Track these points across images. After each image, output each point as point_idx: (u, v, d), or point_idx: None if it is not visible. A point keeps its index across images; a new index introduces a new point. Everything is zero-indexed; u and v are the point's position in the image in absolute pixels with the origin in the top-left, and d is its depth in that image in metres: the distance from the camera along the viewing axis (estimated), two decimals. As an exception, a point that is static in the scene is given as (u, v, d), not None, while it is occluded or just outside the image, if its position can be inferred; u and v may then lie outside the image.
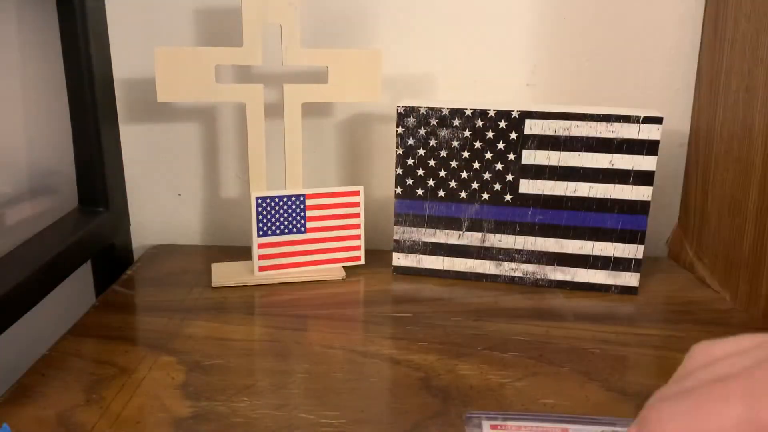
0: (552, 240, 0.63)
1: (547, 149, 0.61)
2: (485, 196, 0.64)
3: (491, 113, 0.62)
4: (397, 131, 0.64)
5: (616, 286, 0.63)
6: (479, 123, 0.62)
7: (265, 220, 0.63)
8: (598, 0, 0.71)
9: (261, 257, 0.64)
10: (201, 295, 0.62)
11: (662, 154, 0.72)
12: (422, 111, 0.63)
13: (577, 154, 0.61)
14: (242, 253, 0.70)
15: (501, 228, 0.64)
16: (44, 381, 0.47)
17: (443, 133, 0.63)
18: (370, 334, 0.55)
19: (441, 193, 0.65)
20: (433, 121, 0.63)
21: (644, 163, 0.60)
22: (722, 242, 0.64)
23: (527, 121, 0.61)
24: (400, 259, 0.67)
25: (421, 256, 0.67)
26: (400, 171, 0.65)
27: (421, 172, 0.64)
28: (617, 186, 0.61)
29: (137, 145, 0.76)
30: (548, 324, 0.57)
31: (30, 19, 0.66)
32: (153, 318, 0.57)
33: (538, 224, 0.63)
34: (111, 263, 0.70)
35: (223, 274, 0.65)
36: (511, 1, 0.72)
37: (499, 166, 0.63)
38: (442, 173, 0.64)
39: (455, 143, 0.63)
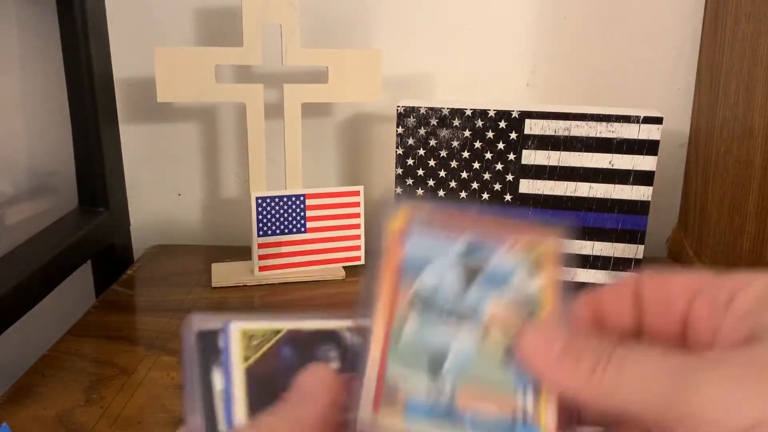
0: (552, 240, 0.63)
1: (547, 149, 0.61)
2: (485, 196, 0.64)
3: (491, 113, 0.62)
4: (397, 131, 0.64)
5: (616, 286, 0.63)
6: (479, 123, 0.62)
7: (265, 220, 0.63)
8: (598, 0, 0.71)
9: (261, 257, 0.64)
10: (201, 295, 0.62)
11: (662, 154, 0.72)
12: (422, 111, 0.63)
13: (577, 154, 0.61)
14: (242, 253, 0.70)
15: (501, 228, 0.64)
16: (44, 381, 0.47)
17: (443, 133, 0.63)
18: (370, 334, 0.55)
19: (441, 193, 0.65)
20: (433, 121, 0.63)
21: (644, 163, 0.60)
22: (722, 242, 0.64)
23: (527, 121, 0.61)
24: (400, 259, 0.67)
25: (421, 256, 0.67)
26: (400, 171, 0.65)
27: (421, 172, 0.64)
28: (617, 186, 0.61)
29: (137, 145, 0.76)
30: (548, 324, 0.57)
31: (30, 20, 0.66)
32: (153, 318, 0.57)
33: (538, 224, 0.63)
34: (111, 263, 0.70)
35: (223, 274, 0.65)
36: (511, 1, 0.72)
37: (499, 166, 0.63)
38: (442, 173, 0.64)
39: (455, 143, 0.63)
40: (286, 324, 0.24)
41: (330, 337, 0.25)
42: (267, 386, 0.22)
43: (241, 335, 0.23)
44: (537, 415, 0.23)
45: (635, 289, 0.25)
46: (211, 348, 0.21)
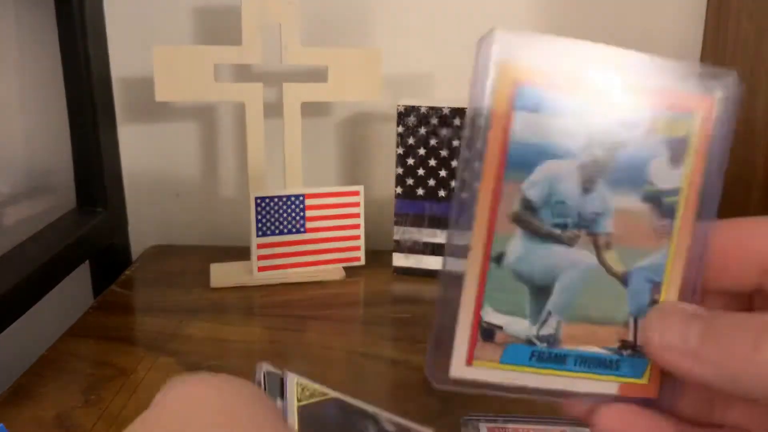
0: (553, 240, 0.63)
1: (548, 149, 0.61)
2: (486, 195, 0.63)
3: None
4: (397, 130, 0.64)
5: (618, 287, 0.63)
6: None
7: (264, 220, 0.63)
8: (600, 0, 0.71)
9: (260, 257, 0.64)
10: (200, 296, 0.61)
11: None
12: (423, 110, 0.63)
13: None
14: (241, 253, 0.69)
15: (502, 228, 0.64)
16: (43, 382, 0.47)
17: (444, 132, 0.63)
18: (370, 335, 0.54)
19: (441, 193, 0.64)
20: (434, 121, 0.63)
21: (646, 162, 0.60)
22: (724, 242, 0.64)
23: (528, 121, 0.61)
24: (400, 260, 0.67)
25: (421, 256, 0.66)
26: (400, 171, 0.65)
27: (421, 171, 0.64)
28: (618, 186, 0.60)
29: (135, 144, 0.75)
30: (549, 324, 0.56)
31: (28, 19, 0.66)
32: (152, 318, 0.57)
33: (538, 224, 0.63)
34: (109, 263, 0.70)
35: (222, 274, 0.65)
36: (512, 0, 0.71)
37: (499, 165, 0.62)
38: (443, 173, 0.64)
39: (456, 143, 0.63)
40: (332, 393, 0.26)
41: (370, 417, 0.26)
42: (314, 423, 0.24)
43: (296, 384, 0.25)
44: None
45: None
46: (274, 383, 0.25)
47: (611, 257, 0.20)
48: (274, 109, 0.66)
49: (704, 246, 0.20)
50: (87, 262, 0.69)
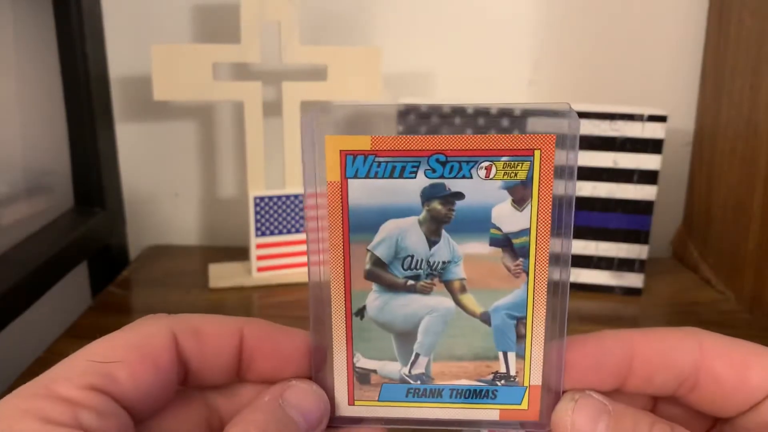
0: (554, 240, 0.62)
1: (550, 148, 0.60)
2: (487, 195, 0.63)
3: (493, 111, 0.61)
4: (397, 129, 0.63)
5: (620, 287, 0.62)
6: (481, 121, 0.61)
7: (263, 220, 0.63)
8: (601, -3, 0.70)
9: (259, 258, 0.63)
10: (198, 297, 0.61)
11: (666, 152, 0.72)
12: (423, 108, 0.62)
13: (580, 152, 0.60)
14: (240, 253, 0.69)
15: (503, 228, 0.63)
16: (39, 384, 0.46)
17: (444, 130, 0.62)
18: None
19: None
20: (435, 119, 0.62)
21: (648, 162, 0.59)
22: (727, 242, 0.64)
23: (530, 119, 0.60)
24: (400, 260, 0.66)
25: (421, 256, 0.66)
26: (400, 170, 0.64)
27: (421, 171, 0.64)
28: (621, 185, 0.60)
29: (133, 144, 0.75)
30: (551, 325, 0.56)
31: (25, 17, 0.65)
32: (150, 319, 0.56)
33: (540, 224, 0.62)
34: (107, 264, 0.69)
35: (221, 274, 0.64)
36: (513, -2, 0.71)
37: (500, 165, 0.62)
38: (443, 172, 0.63)
39: (456, 142, 0.62)
40: None
41: None
42: None
43: None
44: (521, 377, 0.22)
45: (697, 363, 0.22)
46: None
47: (468, 300, 0.21)
48: (273, 108, 0.66)
49: (565, 276, 0.21)
50: (85, 262, 0.69)
